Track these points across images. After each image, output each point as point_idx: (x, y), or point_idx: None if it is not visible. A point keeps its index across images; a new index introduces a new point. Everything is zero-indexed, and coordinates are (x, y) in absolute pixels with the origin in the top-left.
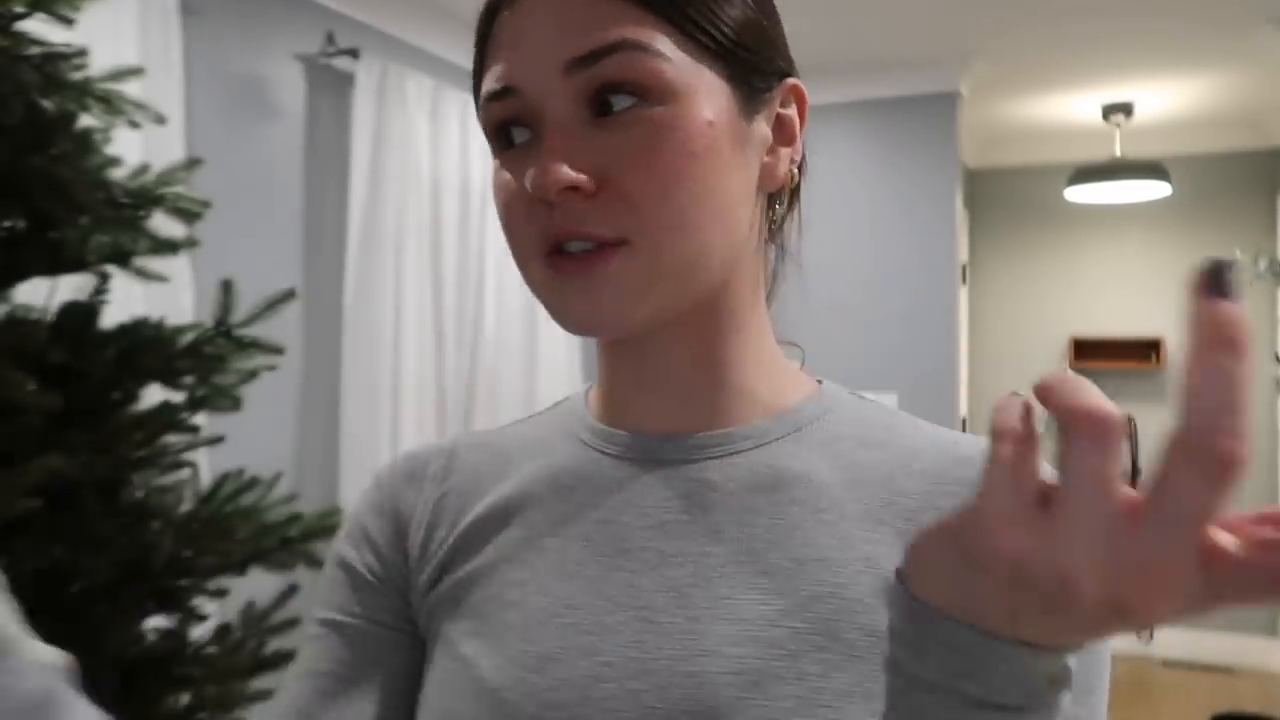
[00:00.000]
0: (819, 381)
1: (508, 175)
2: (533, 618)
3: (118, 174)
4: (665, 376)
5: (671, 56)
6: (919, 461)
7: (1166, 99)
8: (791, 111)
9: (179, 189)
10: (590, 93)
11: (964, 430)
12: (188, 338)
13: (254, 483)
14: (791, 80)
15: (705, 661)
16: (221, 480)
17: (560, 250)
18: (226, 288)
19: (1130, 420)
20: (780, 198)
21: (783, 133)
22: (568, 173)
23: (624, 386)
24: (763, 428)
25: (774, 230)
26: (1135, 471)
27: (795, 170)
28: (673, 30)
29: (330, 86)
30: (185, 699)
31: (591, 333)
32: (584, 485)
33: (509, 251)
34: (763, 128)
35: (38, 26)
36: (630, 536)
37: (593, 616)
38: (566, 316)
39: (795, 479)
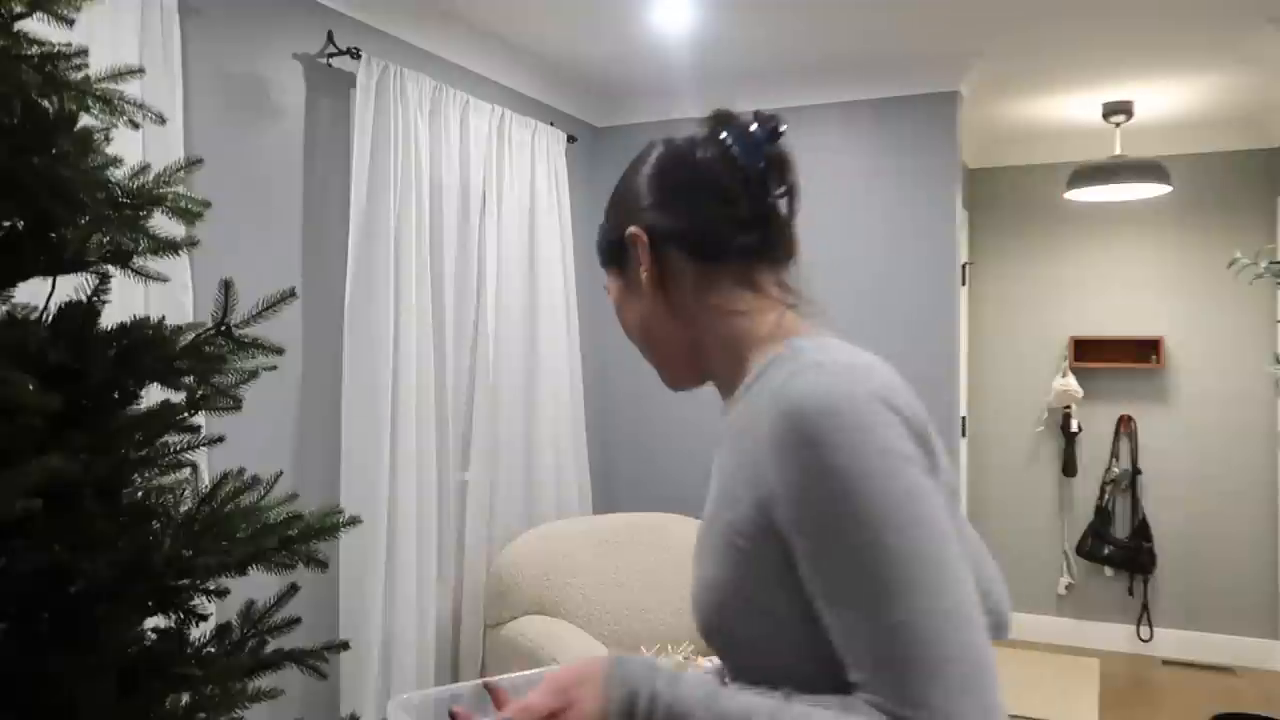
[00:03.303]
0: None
1: None
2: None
3: (118, 174)
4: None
5: (609, 280)
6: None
7: (1166, 99)
8: (635, 249)
9: (179, 189)
10: None
11: (963, 428)
12: (188, 338)
13: (254, 483)
14: (627, 232)
15: None
16: (221, 480)
17: None
18: (226, 288)
19: (1130, 420)
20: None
21: (639, 257)
22: None
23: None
24: (740, 393)
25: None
26: (1135, 471)
27: (645, 275)
28: (609, 266)
29: (330, 86)
30: (185, 699)
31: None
32: None
33: (508, 251)
34: (634, 270)
35: (38, 26)
36: None
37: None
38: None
39: (739, 431)
